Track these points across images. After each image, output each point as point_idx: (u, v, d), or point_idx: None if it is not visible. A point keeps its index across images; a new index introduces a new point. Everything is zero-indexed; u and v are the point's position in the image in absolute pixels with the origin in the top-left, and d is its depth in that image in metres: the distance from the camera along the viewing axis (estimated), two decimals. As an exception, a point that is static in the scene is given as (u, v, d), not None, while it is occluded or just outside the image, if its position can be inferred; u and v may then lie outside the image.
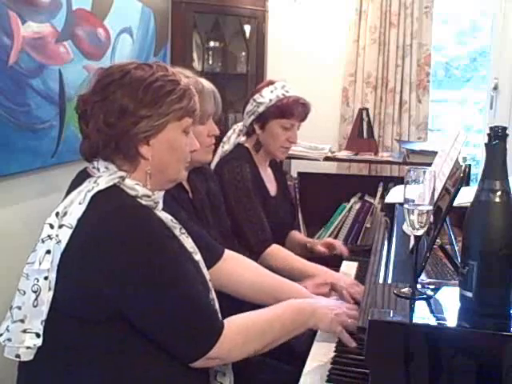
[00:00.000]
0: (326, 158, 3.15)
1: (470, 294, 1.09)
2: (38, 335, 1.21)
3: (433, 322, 1.13)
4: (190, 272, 1.29)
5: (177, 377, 1.27)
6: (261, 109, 2.21)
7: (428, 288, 1.24)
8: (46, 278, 1.20)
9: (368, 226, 3.04)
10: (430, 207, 1.19)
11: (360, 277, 2.03)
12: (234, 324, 1.31)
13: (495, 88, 3.61)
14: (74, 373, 1.23)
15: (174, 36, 3.25)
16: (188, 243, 1.39)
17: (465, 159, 2.06)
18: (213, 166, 2.20)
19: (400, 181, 1.99)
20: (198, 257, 1.41)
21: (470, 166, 2.67)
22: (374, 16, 3.51)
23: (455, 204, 1.33)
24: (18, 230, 1.95)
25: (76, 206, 1.22)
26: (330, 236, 3.05)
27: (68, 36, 2.17)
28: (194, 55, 3.47)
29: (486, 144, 1.09)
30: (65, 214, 1.22)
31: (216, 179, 2.04)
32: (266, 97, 2.21)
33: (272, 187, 2.33)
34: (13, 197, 1.95)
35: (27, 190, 2.02)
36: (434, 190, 1.19)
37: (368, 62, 3.55)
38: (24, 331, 1.21)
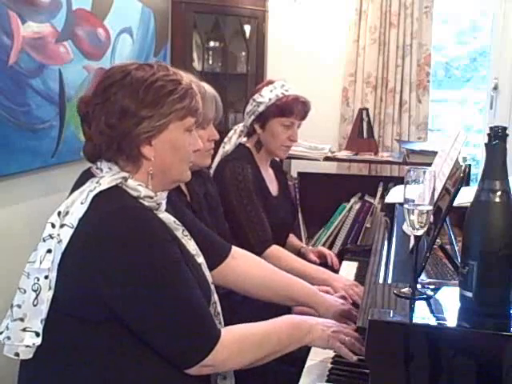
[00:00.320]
0: (326, 158, 3.14)
1: (469, 294, 1.09)
2: (37, 334, 1.21)
3: (433, 322, 1.13)
4: (190, 276, 1.28)
5: (177, 377, 1.26)
6: (261, 108, 2.21)
7: (428, 288, 1.24)
8: (46, 277, 1.20)
9: (368, 226, 3.04)
10: (430, 207, 1.19)
11: (360, 277, 2.03)
12: (231, 333, 1.29)
13: (495, 88, 3.61)
14: (74, 372, 1.23)
15: (173, 36, 3.24)
16: (190, 245, 1.39)
17: (465, 159, 2.05)
18: (214, 166, 2.20)
19: (400, 181, 1.99)
20: (200, 259, 1.40)
21: (469, 166, 2.68)
22: (373, 16, 3.50)
23: (455, 204, 1.33)
24: (18, 229, 1.95)
25: (78, 205, 1.22)
26: (330, 236, 3.04)
27: (68, 36, 2.17)
28: (194, 55, 3.46)
29: (486, 144, 1.09)
30: (66, 213, 1.22)
31: (214, 182, 2.04)
32: (266, 96, 2.21)
33: (273, 187, 2.33)
34: (13, 197, 1.95)
35: (27, 190, 2.02)
36: (434, 190, 1.19)
37: (368, 62, 3.54)
38: (23, 330, 1.21)
